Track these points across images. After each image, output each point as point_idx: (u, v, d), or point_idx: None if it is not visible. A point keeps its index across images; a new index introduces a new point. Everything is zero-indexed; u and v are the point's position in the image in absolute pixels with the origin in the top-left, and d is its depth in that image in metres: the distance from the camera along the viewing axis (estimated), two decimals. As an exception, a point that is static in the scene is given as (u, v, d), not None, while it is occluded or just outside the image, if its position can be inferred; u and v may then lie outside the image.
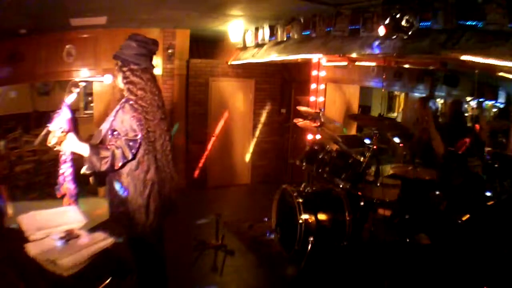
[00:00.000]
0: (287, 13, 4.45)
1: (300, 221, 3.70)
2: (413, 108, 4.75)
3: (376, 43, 3.48)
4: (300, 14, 4.33)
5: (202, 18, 4.95)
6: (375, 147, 3.87)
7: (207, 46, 6.91)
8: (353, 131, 6.92)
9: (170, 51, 5.97)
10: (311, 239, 3.71)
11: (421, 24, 3.03)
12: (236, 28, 5.52)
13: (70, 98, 2.25)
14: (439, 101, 6.23)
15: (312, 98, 5.57)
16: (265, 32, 5.05)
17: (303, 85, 6.11)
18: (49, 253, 1.98)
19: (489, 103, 6.27)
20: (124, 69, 2.35)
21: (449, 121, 4.25)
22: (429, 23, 3.00)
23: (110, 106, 5.36)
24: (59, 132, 2.09)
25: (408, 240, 3.62)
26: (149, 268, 2.49)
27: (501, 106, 5.87)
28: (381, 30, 3.17)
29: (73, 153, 2.29)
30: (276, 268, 3.84)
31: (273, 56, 4.97)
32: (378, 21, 3.33)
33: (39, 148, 6.46)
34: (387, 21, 3.08)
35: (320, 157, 4.06)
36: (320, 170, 4.02)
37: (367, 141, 5.41)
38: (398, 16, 3.01)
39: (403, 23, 2.99)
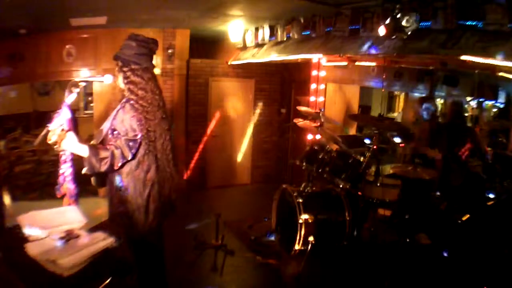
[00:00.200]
0: (287, 13, 4.45)
1: (300, 221, 3.70)
2: (413, 107, 4.75)
3: (376, 43, 3.48)
4: (300, 14, 4.33)
5: (202, 18, 4.95)
6: (375, 147, 3.87)
7: (207, 46, 6.91)
8: (353, 131, 6.92)
9: (170, 51, 5.97)
10: (311, 239, 3.71)
11: (421, 24, 3.03)
12: (236, 28, 5.52)
13: (70, 98, 2.25)
14: (439, 101, 6.22)
15: (312, 98, 5.57)
16: (265, 32, 5.05)
17: (303, 85, 6.11)
18: (49, 253, 1.98)
19: (489, 103, 6.27)
20: (125, 69, 2.35)
21: (449, 121, 4.24)
22: (429, 23, 3.00)
23: (110, 106, 5.36)
24: (59, 129, 2.09)
25: (408, 240, 3.62)
26: (149, 268, 2.49)
27: (501, 106, 5.87)
28: (382, 30, 3.17)
29: (73, 153, 2.29)
30: (276, 268, 3.84)
31: (273, 56, 4.97)
32: (378, 21, 3.33)
33: (39, 148, 6.46)
34: (387, 21, 3.07)
35: (320, 157, 4.06)
36: (320, 170, 4.02)
37: (367, 141, 5.42)
38: (398, 16, 3.01)
39: (404, 23, 2.99)
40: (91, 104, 7.21)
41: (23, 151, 6.58)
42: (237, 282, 3.61)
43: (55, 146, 2.13)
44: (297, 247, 3.74)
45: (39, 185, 6.12)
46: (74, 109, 2.31)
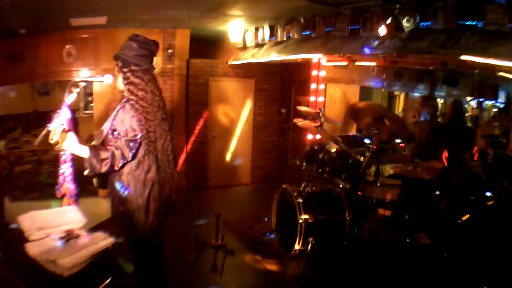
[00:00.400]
0: (287, 13, 4.45)
1: (300, 221, 3.70)
2: (414, 107, 4.74)
3: (376, 43, 3.48)
4: (300, 14, 4.33)
5: (202, 18, 4.95)
6: (375, 147, 3.87)
7: (207, 46, 6.91)
8: (353, 131, 6.93)
9: (170, 51, 5.96)
10: (311, 239, 3.71)
11: (421, 24, 3.03)
12: (236, 28, 5.52)
13: (70, 98, 2.25)
14: (439, 101, 6.22)
15: (312, 98, 5.57)
16: (265, 32, 5.05)
17: (303, 85, 6.10)
18: (49, 253, 1.98)
19: (489, 103, 6.27)
20: (125, 69, 2.35)
21: (449, 121, 4.24)
22: (429, 23, 3.00)
23: (110, 106, 5.36)
24: (60, 129, 2.08)
25: (408, 240, 3.62)
26: (149, 268, 2.49)
27: (501, 106, 5.87)
28: (382, 30, 3.17)
29: (73, 153, 2.29)
30: (276, 268, 3.84)
31: (273, 56, 4.97)
32: (378, 21, 3.33)
33: (39, 148, 6.46)
34: (388, 21, 3.07)
35: (320, 157, 4.06)
36: (320, 170, 4.02)
37: (367, 141, 5.41)
38: (398, 16, 3.01)
39: (404, 23, 2.99)
40: (91, 104, 7.20)
41: (23, 151, 6.58)
42: (237, 282, 3.61)
43: (56, 146, 2.13)
44: (297, 247, 3.74)
45: (39, 185, 6.11)
46: (74, 109, 2.31)
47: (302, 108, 4.61)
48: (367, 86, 6.84)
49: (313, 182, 4.23)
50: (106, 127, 2.38)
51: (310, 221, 3.75)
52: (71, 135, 2.13)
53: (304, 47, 4.42)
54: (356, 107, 4.36)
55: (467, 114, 5.51)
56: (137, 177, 2.32)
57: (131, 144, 2.24)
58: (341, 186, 3.88)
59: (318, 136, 4.74)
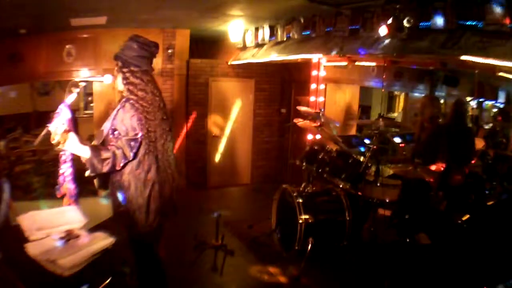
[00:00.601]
0: (287, 13, 4.45)
1: (300, 221, 3.70)
2: (416, 107, 4.75)
3: (376, 43, 3.48)
4: (300, 14, 4.33)
5: (202, 18, 4.95)
6: (375, 147, 3.87)
7: (207, 46, 6.91)
8: (353, 131, 6.93)
9: (170, 51, 5.97)
10: (311, 239, 3.71)
11: (421, 24, 3.03)
12: (236, 28, 5.52)
13: (70, 98, 2.25)
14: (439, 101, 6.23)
15: (312, 98, 5.57)
16: (265, 32, 5.05)
17: (303, 85, 6.10)
18: (49, 253, 1.98)
19: (489, 103, 6.28)
20: (125, 70, 2.35)
21: (450, 123, 4.22)
22: (429, 23, 3.00)
23: (110, 106, 5.36)
24: (62, 129, 2.08)
25: (408, 240, 3.62)
26: (149, 268, 2.49)
27: (501, 106, 5.88)
28: (383, 30, 3.17)
29: (73, 153, 2.29)
30: (276, 268, 3.84)
31: (273, 56, 4.97)
32: (378, 21, 3.33)
33: (39, 148, 6.46)
34: (389, 21, 3.08)
35: (320, 157, 4.05)
36: (320, 170, 4.02)
37: (367, 141, 5.42)
38: (399, 16, 3.01)
39: (405, 23, 2.99)
40: (91, 104, 7.21)
41: (23, 151, 6.59)
42: (237, 282, 3.61)
43: (58, 146, 2.12)
44: (297, 247, 3.74)
45: (39, 185, 6.11)
46: (74, 109, 2.31)
47: (302, 108, 4.60)
48: (367, 86, 6.85)
49: (313, 182, 4.23)
50: (106, 127, 2.38)
51: (310, 221, 3.75)
52: (73, 136, 2.12)
53: (304, 47, 4.42)
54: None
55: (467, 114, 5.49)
56: (138, 177, 2.32)
57: (132, 143, 2.24)
58: (341, 186, 3.88)
59: (318, 136, 4.74)
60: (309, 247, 3.69)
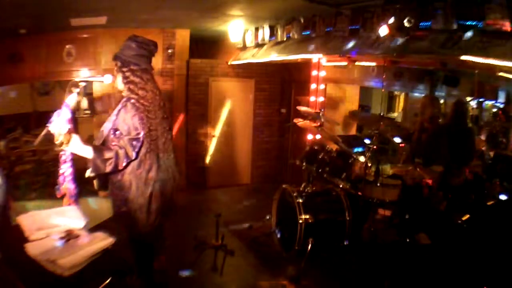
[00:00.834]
0: (287, 13, 4.44)
1: (300, 221, 3.70)
2: (416, 107, 4.74)
3: (376, 43, 3.48)
4: (300, 14, 4.33)
5: (202, 18, 4.95)
6: (375, 147, 3.87)
7: (207, 46, 6.91)
8: (353, 131, 6.93)
9: (170, 51, 5.96)
10: (311, 239, 3.71)
11: (421, 24, 3.03)
12: (236, 28, 5.52)
13: (70, 98, 2.25)
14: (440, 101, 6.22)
15: (312, 98, 5.57)
16: (265, 32, 5.05)
17: (303, 85, 6.11)
18: (49, 253, 1.98)
19: (489, 103, 6.27)
20: (124, 69, 2.36)
21: (450, 123, 4.21)
22: (429, 23, 3.00)
23: (110, 106, 5.36)
24: (65, 129, 2.07)
25: (408, 240, 3.62)
26: (149, 267, 2.49)
27: (501, 106, 5.87)
28: (384, 30, 3.17)
29: (73, 153, 2.29)
30: (276, 268, 3.84)
31: (273, 56, 4.97)
32: (378, 21, 3.33)
33: (39, 148, 6.46)
34: (390, 21, 3.07)
35: (320, 157, 4.06)
36: (320, 170, 4.02)
37: (367, 141, 5.41)
38: (399, 16, 3.01)
39: (405, 23, 2.99)
40: (91, 104, 7.20)
41: (23, 151, 6.58)
42: (237, 282, 3.61)
43: (61, 147, 2.11)
44: (297, 247, 3.73)
45: (39, 185, 6.11)
46: (74, 109, 2.31)
47: (302, 108, 4.60)
48: (367, 86, 6.85)
49: (313, 182, 4.23)
50: (105, 127, 2.38)
51: (310, 221, 3.75)
52: (76, 136, 2.12)
53: (304, 47, 4.42)
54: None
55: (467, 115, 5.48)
56: (139, 176, 2.32)
57: (134, 142, 2.24)
58: (341, 186, 3.87)
59: (318, 136, 4.74)
60: (309, 247, 3.69)
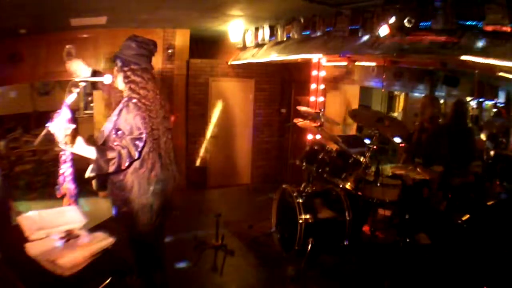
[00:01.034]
0: (287, 13, 4.45)
1: (300, 221, 3.70)
2: (416, 107, 4.74)
3: (376, 43, 3.48)
4: (300, 14, 4.33)
5: (202, 18, 4.95)
6: (375, 147, 3.87)
7: (207, 46, 6.91)
8: (353, 131, 6.93)
9: (170, 51, 5.97)
10: (311, 239, 3.71)
11: (421, 24, 3.03)
12: (236, 28, 5.52)
13: (70, 98, 2.25)
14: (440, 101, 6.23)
15: (312, 98, 5.57)
16: (265, 32, 5.05)
17: (303, 85, 6.10)
18: (49, 253, 1.98)
19: (489, 103, 6.28)
20: (125, 68, 2.35)
21: (450, 123, 4.21)
22: (429, 23, 3.00)
23: (110, 106, 5.36)
24: (69, 130, 2.06)
25: (408, 240, 3.62)
26: (149, 268, 2.49)
27: (501, 106, 5.88)
28: (385, 30, 3.17)
29: (73, 153, 2.28)
30: (276, 268, 3.84)
31: (273, 56, 4.97)
32: (378, 21, 3.33)
33: (39, 148, 6.47)
34: (391, 21, 3.08)
35: (320, 157, 4.05)
36: (320, 170, 4.02)
37: (367, 141, 5.41)
38: (400, 16, 3.01)
39: (405, 23, 2.99)
40: (91, 104, 7.21)
41: (23, 151, 6.59)
42: (237, 282, 3.61)
43: (65, 147, 2.10)
44: (297, 247, 3.73)
45: (39, 185, 6.12)
46: (74, 109, 2.30)
47: (302, 108, 4.60)
48: (367, 86, 6.85)
49: (313, 182, 4.23)
50: (107, 127, 2.38)
51: (310, 221, 3.75)
52: (79, 139, 2.11)
53: (304, 47, 4.42)
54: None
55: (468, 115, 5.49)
56: (141, 175, 2.32)
57: (136, 142, 2.24)
58: (341, 186, 3.88)
59: (318, 136, 4.74)
60: (309, 247, 3.69)
